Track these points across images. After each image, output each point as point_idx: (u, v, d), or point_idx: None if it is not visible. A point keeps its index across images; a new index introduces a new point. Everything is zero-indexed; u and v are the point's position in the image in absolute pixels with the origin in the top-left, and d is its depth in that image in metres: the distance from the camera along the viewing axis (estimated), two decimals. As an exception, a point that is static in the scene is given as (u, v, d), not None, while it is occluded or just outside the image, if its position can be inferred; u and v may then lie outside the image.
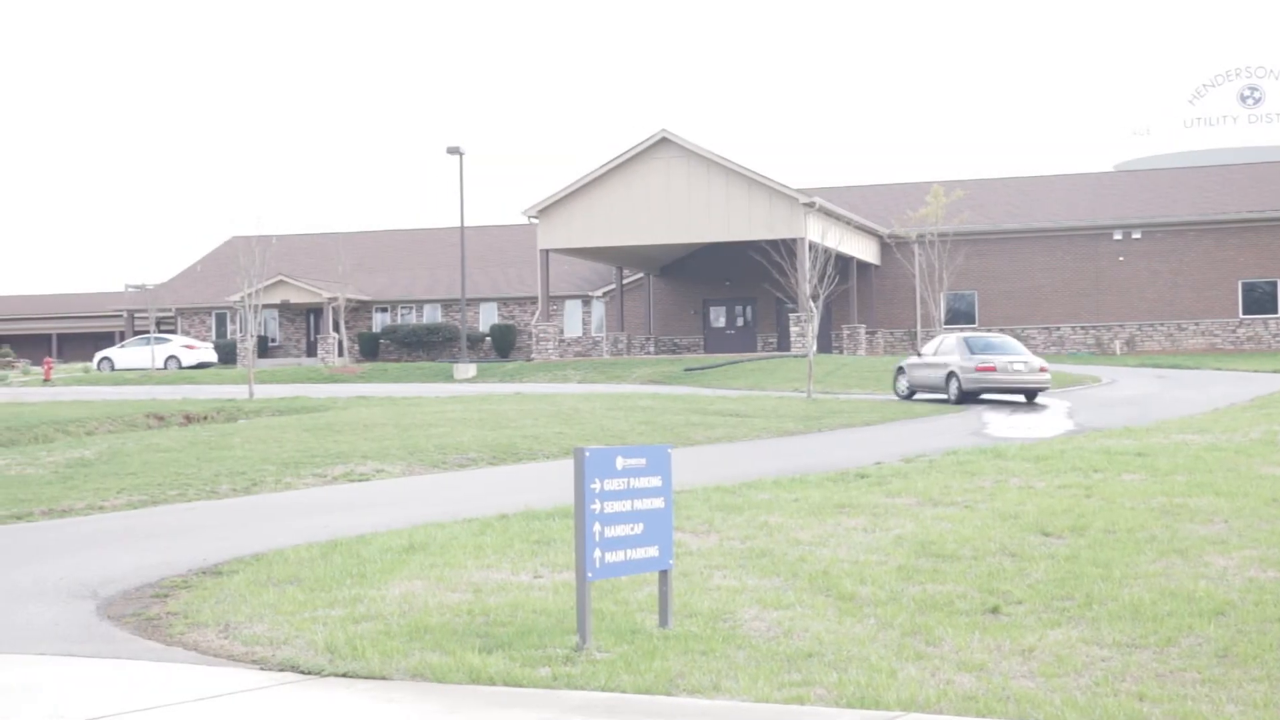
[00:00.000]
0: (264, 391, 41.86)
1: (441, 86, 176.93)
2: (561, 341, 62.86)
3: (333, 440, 24.57)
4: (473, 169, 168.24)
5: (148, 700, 7.97)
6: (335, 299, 67.38)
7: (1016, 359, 35.01)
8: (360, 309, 73.12)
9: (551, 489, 17.05)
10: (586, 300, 71.07)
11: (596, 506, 9.15)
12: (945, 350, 36.03)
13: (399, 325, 72.28)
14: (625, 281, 67.51)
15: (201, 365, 65.21)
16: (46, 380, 56.46)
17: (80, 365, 73.67)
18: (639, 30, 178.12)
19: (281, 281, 68.98)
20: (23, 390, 48.95)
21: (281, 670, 8.79)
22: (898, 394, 37.41)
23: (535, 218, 57.65)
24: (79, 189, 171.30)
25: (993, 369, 34.51)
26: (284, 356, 73.07)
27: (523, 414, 29.18)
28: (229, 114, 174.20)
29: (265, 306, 67.37)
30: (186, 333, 74.02)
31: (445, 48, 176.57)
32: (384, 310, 74.08)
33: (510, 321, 71.59)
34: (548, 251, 57.99)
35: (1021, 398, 35.00)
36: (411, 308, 73.71)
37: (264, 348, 71.43)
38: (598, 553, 9.15)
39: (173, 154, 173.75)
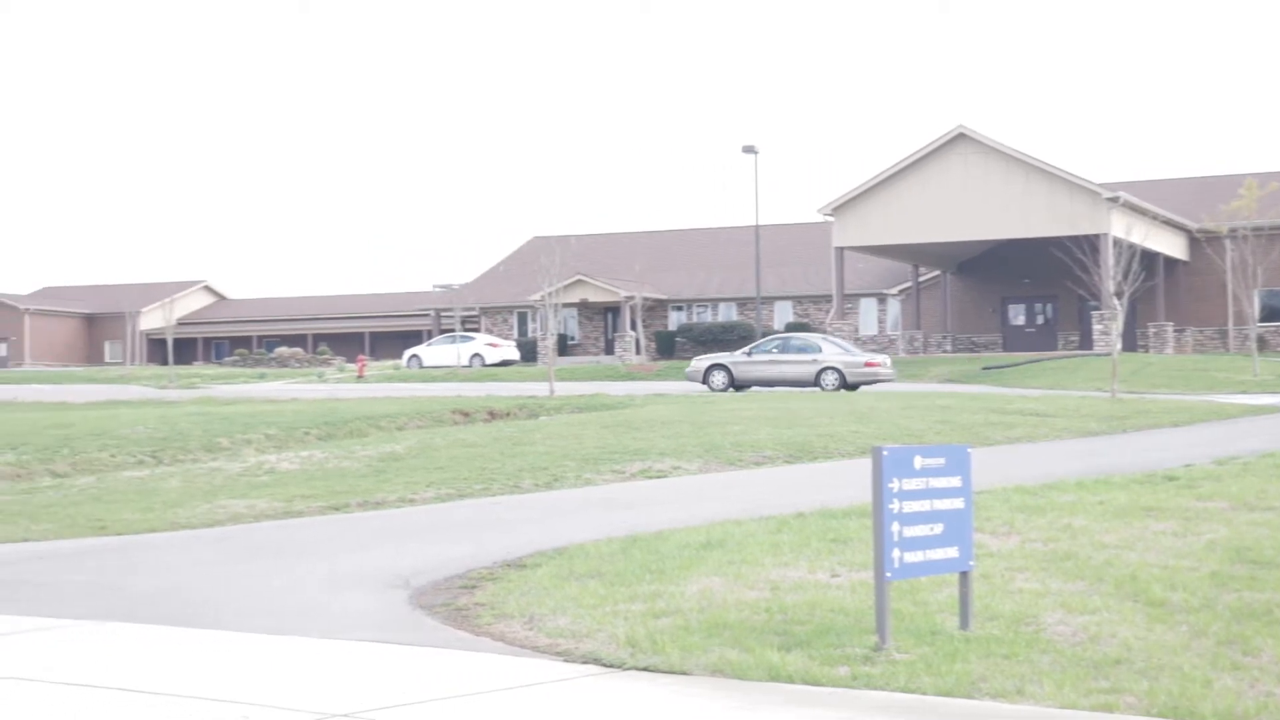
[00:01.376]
0: (564, 389, 42.75)
1: (736, 85, 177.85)
2: (857, 340, 62.43)
3: (630, 437, 24.93)
4: (766, 167, 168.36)
5: (459, 688, 8.24)
6: (632, 298, 68.37)
7: (882, 356, 44.12)
8: (656, 307, 74.02)
9: (847, 488, 16.97)
10: (882, 298, 70.46)
11: (895, 506, 9.08)
12: (801, 350, 42.45)
13: (694, 323, 72.91)
14: (921, 279, 66.72)
15: (504, 363, 66.95)
16: (360, 377, 58.83)
17: (391, 362, 76.49)
18: (933, 26, 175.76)
19: (580, 281, 70.35)
20: (338, 387, 51.08)
21: (584, 663, 8.96)
22: (712, 389, 41.80)
23: (830, 215, 57.46)
24: (393, 194, 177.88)
25: (877, 365, 42.07)
26: (582, 354, 74.51)
27: (817, 412, 29.11)
28: (531, 118, 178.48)
29: (565, 305, 68.79)
30: (490, 331, 76.10)
31: (741, 48, 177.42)
32: (679, 309, 74.83)
33: (805, 320, 71.49)
34: (843, 249, 57.75)
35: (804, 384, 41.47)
36: (706, 306, 74.28)
37: (563, 346, 72.98)
38: (896, 552, 9.08)
39: (479, 158, 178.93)
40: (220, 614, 10.95)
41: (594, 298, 71.94)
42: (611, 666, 8.84)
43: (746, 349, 44.49)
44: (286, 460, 23.66)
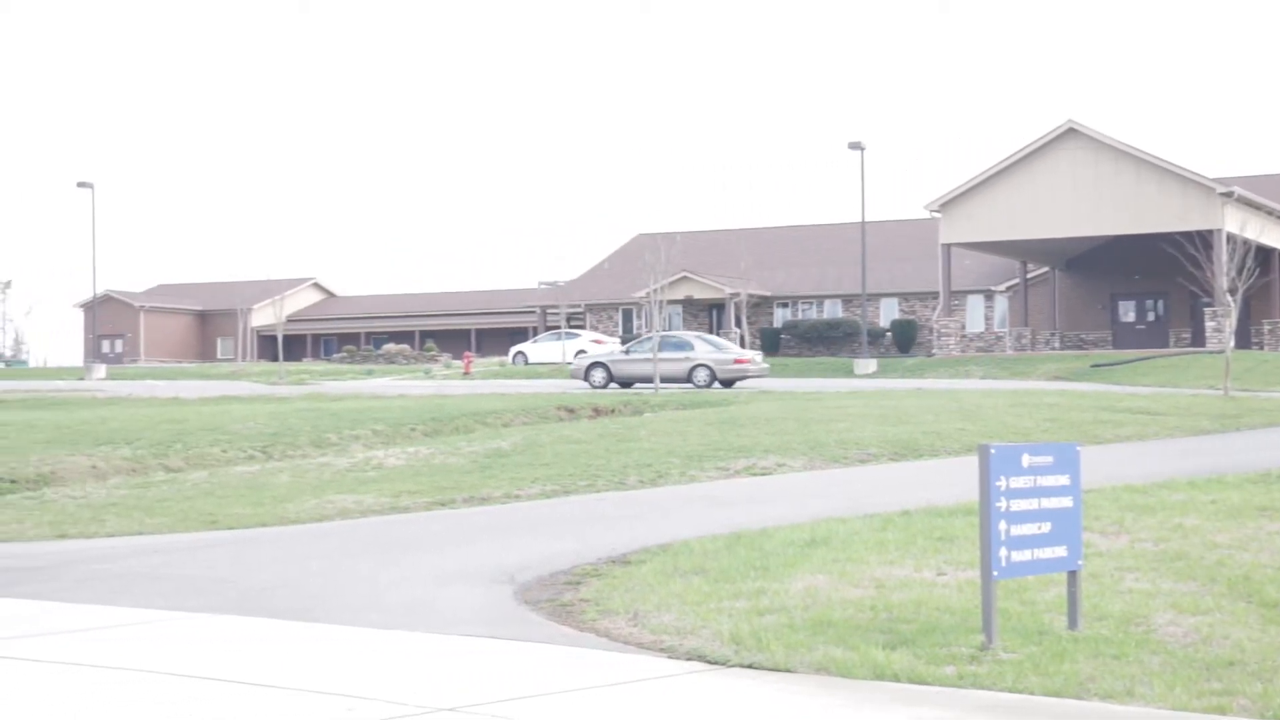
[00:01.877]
0: (642, 385, 42.80)
1: (843, 82, 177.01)
2: (963, 337, 61.85)
3: (735, 434, 24.91)
4: (873, 164, 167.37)
5: (564, 684, 8.29)
6: (737, 294, 68.30)
7: (755, 354, 46.91)
8: (761, 304, 73.88)
9: (953, 486, 16.83)
10: (989, 295, 69.77)
11: (1002, 504, 9.01)
12: (676, 348, 44.20)
13: (799, 320, 72.66)
14: (1029, 276, 65.98)
15: (609, 360, 67.04)
16: (466, 374, 59.24)
17: (497, 359, 76.94)
18: (1039, 20, 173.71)
19: (685, 278, 70.37)
20: (445, 383, 51.48)
21: (689, 659, 8.97)
22: (593, 386, 43.75)
23: (936, 212, 57.04)
24: (500, 191, 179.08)
25: (746, 362, 44.35)
26: (687, 352, 74.40)
27: (923, 410, 28.90)
28: (637, 115, 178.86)
29: (669, 302, 68.81)
30: (595, 328, 76.34)
31: (844, 45, 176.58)
32: (784, 305, 74.61)
33: (911, 317, 70.99)
34: (949, 246, 57.27)
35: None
36: (812, 303, 73.99)
37: (668, 343, 72.97)
38: (1003, 551, 9.01)
39: (585, 156, 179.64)
40: (329, 608, 11.09)
41: (699, 294, 71.94)
42: (716, 664, 8.84)
43: (625, 347, 46.95)
44: (394, 456, 23.90)
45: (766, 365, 46.37)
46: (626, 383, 44.08)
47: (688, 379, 43.50)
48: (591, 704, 7.82)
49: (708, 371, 43.47)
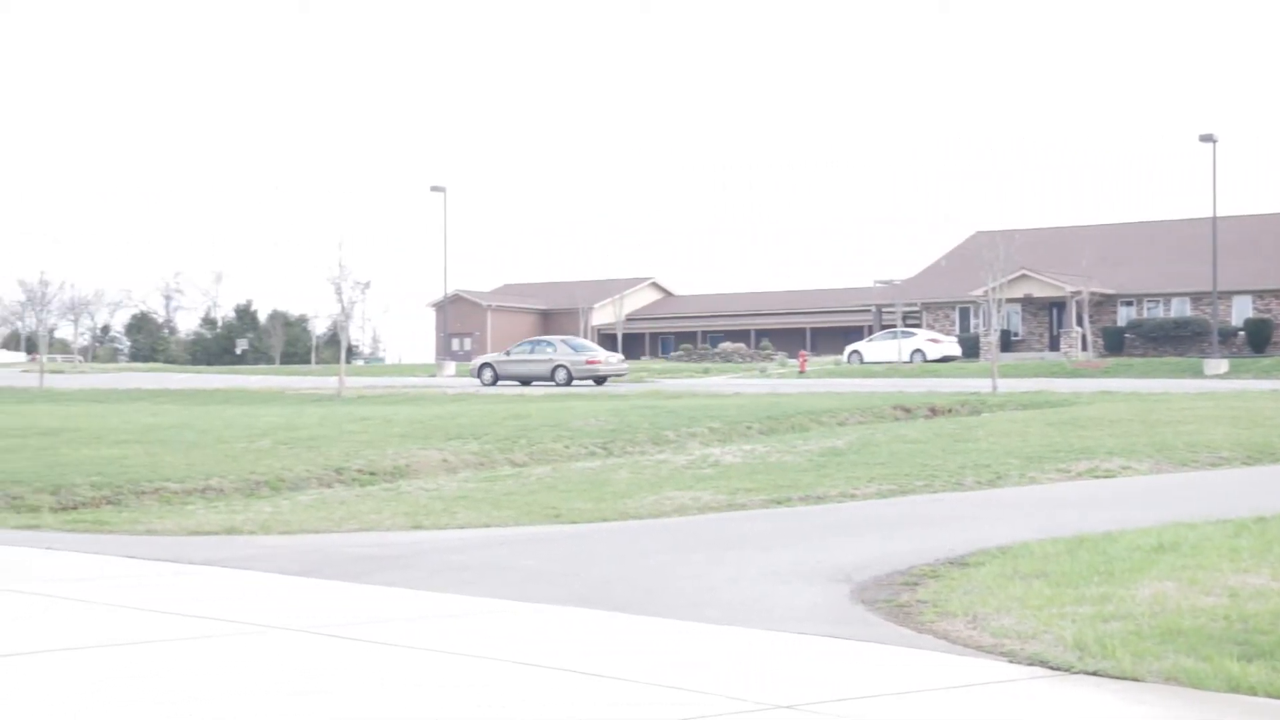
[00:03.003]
0: (1006, 385, 41.94)
1: (1190, 71, 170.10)
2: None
3: (1076, 435, 24.26)
4: (1223, 155, 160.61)
5: (903, 684, 8.24)
6: (1078, 293, 66.52)
7: (610, 355, 52.36)
8: (1104, 303, 71.70)
9: (1314, 492, 16.02)
10: (1354, 292, 66.08)
11: (1368, 513, 8.59)
12: (544, 350, 50.80)
13: (1144, 319, 70.24)
14: (1399, 270, 62.20)
15: (945, 359, 66.24)
16: (801, 372, 59.36)
17: (830, 358, 76.83)
18: None
19: (1024, 276, 68.86)
20: (779, 382, 51.71)
21: (1030, 665, 8.79)
22: (483, 383, 49.81)
23: (1295, 204, 54.30)
24: (837, 189, 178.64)
25: (598, 362, 50.02)
26: (1025, 350, 72.91)
27: (1280, 412, 27.58)
28: (975, 113, 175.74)
29: (1008, 301, 67.53)
30: (930, 327, 75.43)
31: (1191, 31, 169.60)
32: (1128, 304, 72.24)
33: (1266, 315, 67.84)
34: (1309, 240, 54.50)
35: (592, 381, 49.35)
36: (1158, 301, 71.44)
37: (1006, 342, 71.58)
38: (1370, 562, 8.57)
39: (923, 154, 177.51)
40: (665, 602, 11.26)
41: (1038, 293, 70.28)
42: (1059, 670, 8.65)
43: (507, 349, 53.46)
44: (730, 453, 24.11)
45: (625, 366, 52.39)
46: (522, 380, 49.79)
47: (550, 377, 49.31)
48: (932, 706, 7.76)
49: (565, 371, 49.31)
